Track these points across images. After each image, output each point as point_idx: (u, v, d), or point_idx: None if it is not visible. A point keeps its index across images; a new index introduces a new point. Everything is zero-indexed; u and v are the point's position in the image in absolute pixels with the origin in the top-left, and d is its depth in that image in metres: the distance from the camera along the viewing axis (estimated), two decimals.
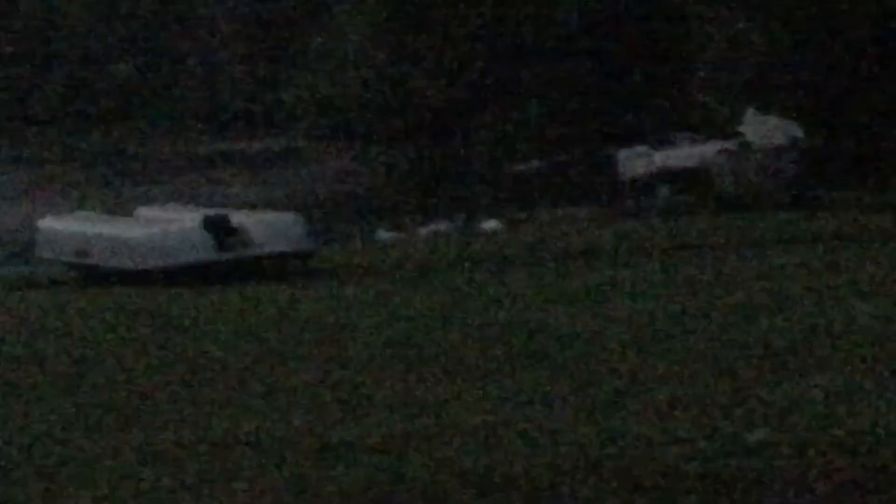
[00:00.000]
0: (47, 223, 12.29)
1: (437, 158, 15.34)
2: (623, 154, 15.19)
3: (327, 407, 4.04)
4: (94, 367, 5.57)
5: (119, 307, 8.98)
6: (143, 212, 12.65)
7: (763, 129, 14.93)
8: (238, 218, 12.18)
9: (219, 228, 11.92)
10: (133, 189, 14.19)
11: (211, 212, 12.29)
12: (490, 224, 12.14)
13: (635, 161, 15.02)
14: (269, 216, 12.46)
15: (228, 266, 11.65)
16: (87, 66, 23.47)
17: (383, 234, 12.11)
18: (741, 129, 15.09)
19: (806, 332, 5.58)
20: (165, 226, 12.07)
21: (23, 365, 5.76)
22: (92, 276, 11.91)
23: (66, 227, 12.10)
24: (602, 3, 17.24)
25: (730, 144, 14.97)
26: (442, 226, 12.30)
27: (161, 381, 5.00)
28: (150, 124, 19.29)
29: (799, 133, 15.15)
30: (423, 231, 12.10)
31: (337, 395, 4.29)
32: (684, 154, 15.06)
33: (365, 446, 3.06)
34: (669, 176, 14.95)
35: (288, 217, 12.35)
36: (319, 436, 3.26)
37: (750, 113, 15.12)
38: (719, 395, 3.76)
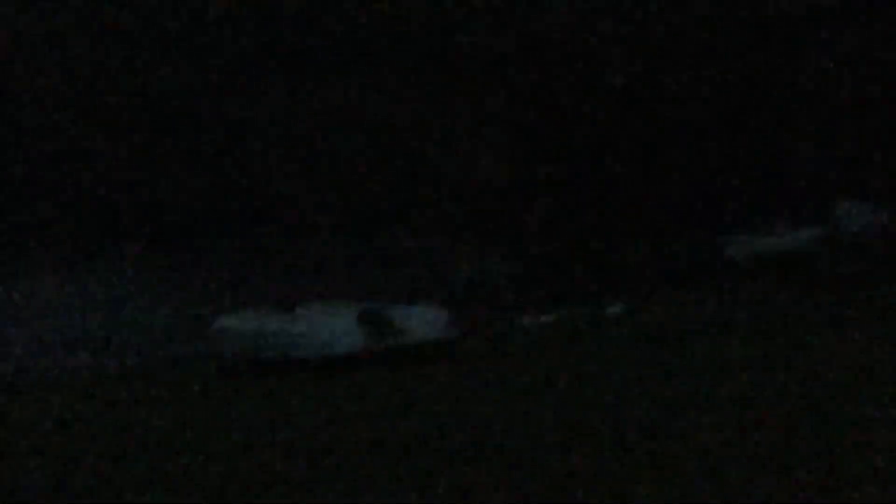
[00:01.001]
0: (220, 321, 14.04)
1: (556, 251, 16.90)
2: (725, 239, 16.54)
3: None
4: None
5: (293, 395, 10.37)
6: (304, 308, 14.30)
7: (856, 214, 16.11)
8: (387, 310, 13.75)
9: (372, 321, 13.51)
10: (289, 285, 15.86)
11: (365, 306, 13.88)
12: (614, 308, 13.47)
13: (737, 247, 16.32)
14: (416, 308, 13.97)
15: (382, 355, 13.16)
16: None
17: (523, 321, 13.56)
18: (837, 214, 16.32)
19: None
20: (325, 319, 13.69)
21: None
22: (261, 367, 13.53)
23: (238, 324, 13.82)
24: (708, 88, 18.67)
25: (826, 230, 16.19)
26: (567, 311, 13.75)
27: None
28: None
29: (888, 219, 16.31)
30: (553, 317, 13.56)
31: None
32: (783, 240, 16.31)
33: None
34: (768, 261, 16.15)
35: (432, 308, 13.86)
36: None
37: (844, 199, 16.38)
38: None
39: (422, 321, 13.58)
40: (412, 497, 4.31)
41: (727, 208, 17.42)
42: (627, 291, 14.96)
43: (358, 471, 5.05)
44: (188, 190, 19.09)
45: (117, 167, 19.66)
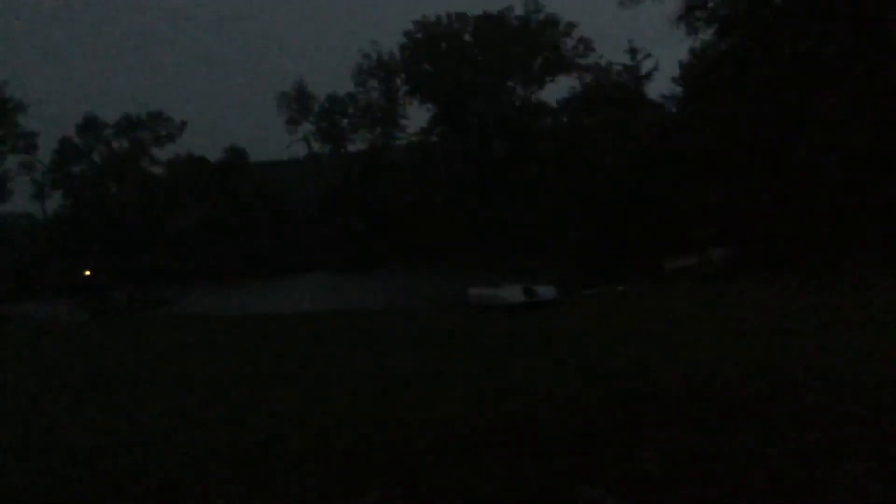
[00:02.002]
0: (471, 290, 38.79)
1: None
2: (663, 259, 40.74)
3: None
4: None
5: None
6: (504, 285, 38.91)
7: None
8: (533, 287, 38.26)
9: (527, 291, 38.06)
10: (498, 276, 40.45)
11: (524, 285, 38.41)
12: (621, 287, 38.11)
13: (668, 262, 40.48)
14: (545, 286, 38.41)
15: (531, 304, 37.51)
16: None
17: (583, 292, 38.06)
18: None
19: None
20: (511, 290, 38.27)
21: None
22: (488, 308, 38.07)
23: (479, 291, 38.52)
24: None
25: None
26: (601, 289, 38.22)
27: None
28: None
29: None
30: (596, 290, 38.14)
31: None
32: (688, 261, 40.41)
33: None
34: (681, 271, 40.44)
35: (552, 287, 38.35)
36: None
37: None
38: None
39: (547, 291, 38.02)
40: (528, 362, 28.49)
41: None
42: (624, 282, 39.13)
43: (505, 350, 29.16)
44: None
45: None
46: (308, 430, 9.44)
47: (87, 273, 66.51)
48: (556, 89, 75.40)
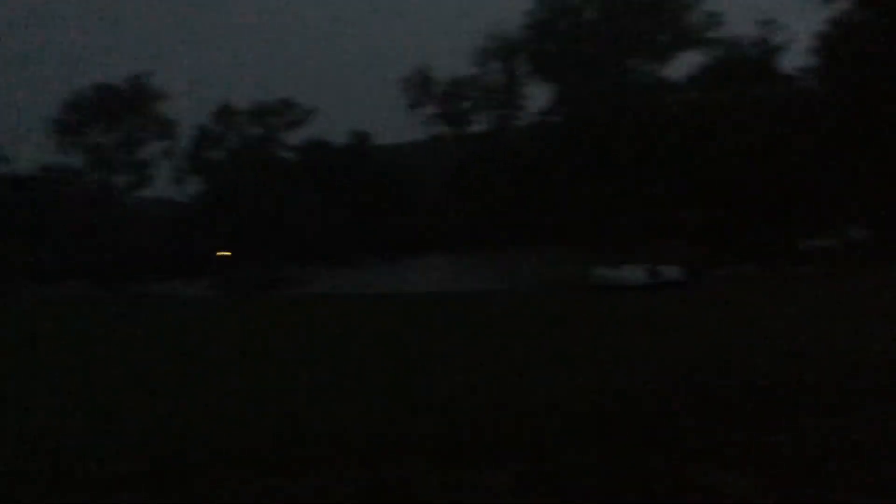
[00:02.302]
0: (598, 270, 38.34)
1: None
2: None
3: None
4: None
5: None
6: (630, 266, 38.24)
7: None
8: (657, 268, 37.41)
9: (651, 271, 37.25)
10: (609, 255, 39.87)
11: (648, 266, 37.61)
12: (747, 269, 36.56)
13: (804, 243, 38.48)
14: (667, 267, 37.49)
15: (654, 286, 36.72)
16: None
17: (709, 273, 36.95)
18: None
19: None
20: (635, 271, 37.56)
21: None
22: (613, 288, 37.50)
23: (604, 272, 38.02)
24: None
25: None
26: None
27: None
28: None
29: None
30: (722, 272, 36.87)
31: None
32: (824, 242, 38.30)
33: None
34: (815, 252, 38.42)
35: (675, 267, 37.39)
36: None
37: None
38: None
39: (672, 272, 37.11)
40: (655, 343, 27.74)
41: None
42: (755, 262, 37.75)
43: (628, 332, 28.52)
44: None
45: None
46: (434, 412, 9.55)
47: (222, 253, 69.65)
48: (683, 65, 72.89)
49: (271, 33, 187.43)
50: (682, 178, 56.64)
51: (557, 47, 70.36)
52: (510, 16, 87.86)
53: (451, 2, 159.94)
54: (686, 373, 11.37)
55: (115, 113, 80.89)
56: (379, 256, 66.91)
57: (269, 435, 8.59)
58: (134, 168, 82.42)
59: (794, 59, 73.70)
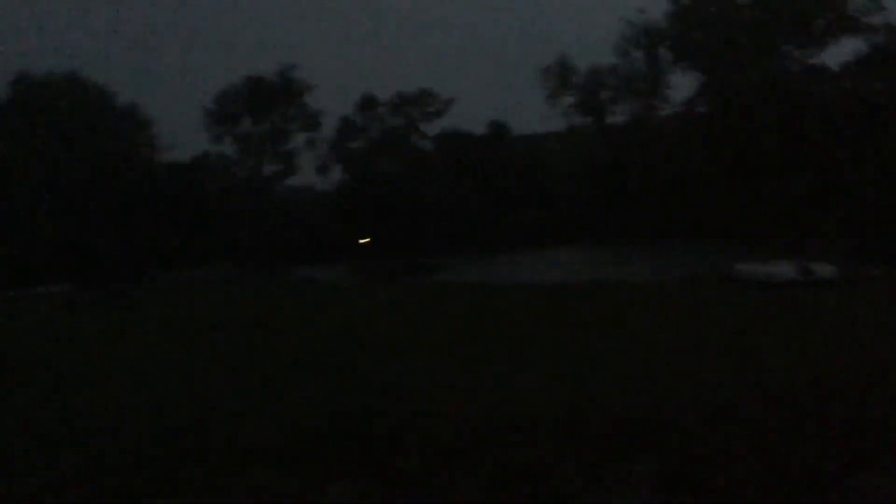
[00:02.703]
0: (743, 265, 37.09)
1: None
2: None
3: None
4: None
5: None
6: (779, 261, 36.78)
7: None
8: (809, 265, 35.79)
9: (803, 268, 35.66)
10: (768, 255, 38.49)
11: (800, 263, 36.04)
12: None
13: None
14: (819, 264, 35.81)
15: (807, 283, 35.14)
16: None
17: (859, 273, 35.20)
18: None
19: None
20: (783, 268, 36.09)
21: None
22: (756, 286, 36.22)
23: (751, 267, 36.75)
24: None
25: None
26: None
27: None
28: None
29: None
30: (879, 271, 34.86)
31: None
32: None
33: None
34: None
35: (829, 265, 35.66)
36: None
37: None
38: None
39: (824, 269, 35.40)
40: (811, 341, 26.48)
41: None
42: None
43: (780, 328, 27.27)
44: None
45: None
46: (573, 400, 9.67)
47: (363, 241, 71.78)
48: (838, 53, 69.02)
49: (412, 24, 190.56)
50: (834, 172, 53.90)
51: (703, 34, 68.11)
52: (653, 3, 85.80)
53: None
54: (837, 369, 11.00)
55: (264, 104, 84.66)
56: (516, 246, 67.11)
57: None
58: (281, 157, 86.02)
59: None
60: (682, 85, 73.46)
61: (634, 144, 70.81)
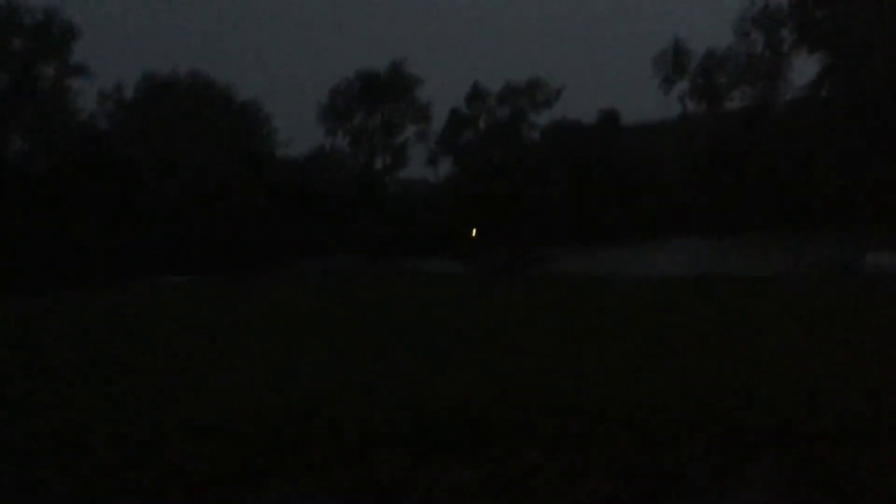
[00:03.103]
0: (873, 256, 35.39)
1: None
2: None
3: None
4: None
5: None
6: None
7: None
8: None
9: None
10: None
11: None
12: None
13: None
14: None
15: None
16: None
17: None
18: None
19: None
20: None
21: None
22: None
23: (882, 258, 35.02)
24: None
25: None
26: None
27: None
28: None
29: None
30: None
31: None
32: None
33: None
34: None
35: None
36: None
37: None
38: None
39: None
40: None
41: None
42: None
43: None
44: None
45: None
46: (695, 396, 9.54)
47: (473, 233, 72.20)
48: None
49: (520, 12, 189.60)
50: None
51: (828, 13, 65.05)
52: None
53: None
54: None
55: (376, 98, 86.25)
56: (629, 238, 66.00)
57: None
58: (392, 150, 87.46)
59: None
60: (805, 68, 70.32)
61: (754, 131, 68.41)
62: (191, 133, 71.28)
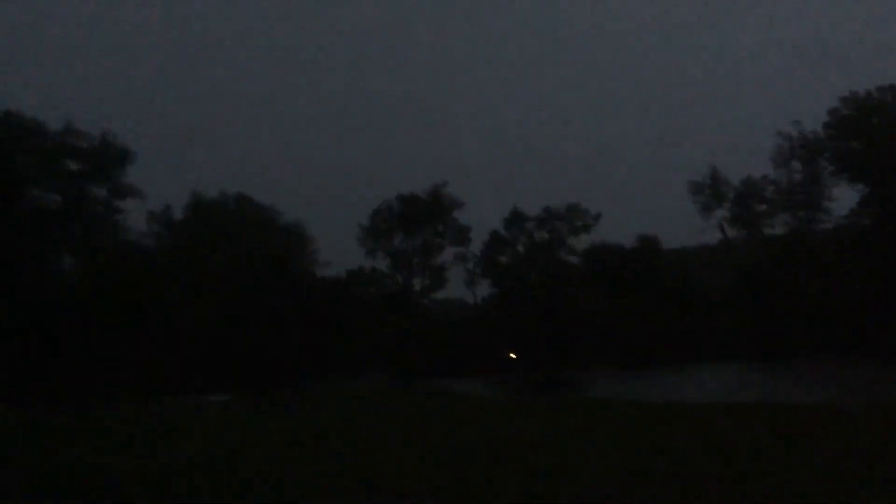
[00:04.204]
0: None
1: None
2: None
3: None
4: None
5: None
6: None
7: None
8: None
9: None
10: None
11: None
12: None
13: None
14: None
15: None
16: None
17: None
18: None
19: None
20: None
21: None
22: None
23: None
24: None
25: None
26: None
27: None
28: None
29: None
30: None
31: None
32: None
33: None
34: None
35: None
36: None
37: None
38: None
39: None
40: None
41: None
42: None
43: None
44: None
45: None
46: None
47: (511, 355, 71.62)
48: None
49: (559, 139, 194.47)
50: None
51: (865, 145, 65.68)
52: (806, 114, 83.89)
53: (741, 103, 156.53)
54: None
55: (415, 220, 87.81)
56: (665, 362, 64.90)
57: None
58: (431, 271, 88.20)
59: None
60: (843, 197, 70.58)
61: (793, 258, 68.09)
62: (233, 254, 72.76)
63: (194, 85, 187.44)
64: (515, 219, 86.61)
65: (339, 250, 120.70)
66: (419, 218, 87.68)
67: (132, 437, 22.36)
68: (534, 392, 51.90)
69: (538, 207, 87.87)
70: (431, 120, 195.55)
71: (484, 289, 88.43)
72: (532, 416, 25.98)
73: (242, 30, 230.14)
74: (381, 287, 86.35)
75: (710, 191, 75.33)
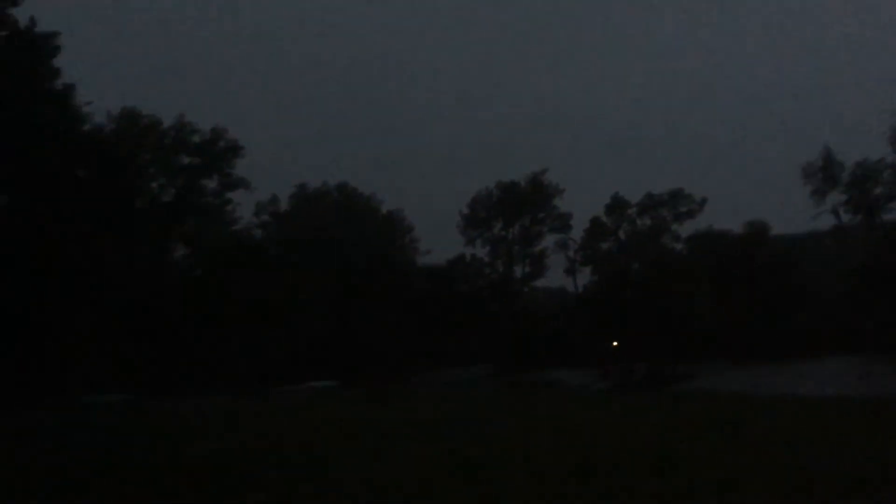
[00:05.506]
0: None
1: None
2: None
3: None
4: None
5: None
6: None
7: None
8: None
9: None
10: None
11: None
12: None
13: None
14: None
15: None
16: None
17: None
18: None
19: None
20: None
21: None
22: None
23: None
24: None
25: None
26: None
27: None
28: None
29: None
30: None
31: None
32: None
33: None
34: None
35: None
36: None
37: None
38: None
39: None
40: None
41: None
42: None
43: None
44: None
45: None
46: None
47: (614, 344, 70.52)
48: None
49: (663, 126, 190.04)
50: None
51: None
52: None
53: (861, 79, 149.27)
54: None
55: (515, 208, 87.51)
56: (774, 355, 62.45)
57: None
58: (531, 259, 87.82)
59: None
60: None
61: None
62: (337, 242, 74.21)
63: (300, 78, 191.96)
64: (617, 205, 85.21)
65: (439, 239, 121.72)
66: (519, 206, 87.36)
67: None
68: (638, 385, 50.78)
69: (639, 194, 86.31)
70: (532, 106, 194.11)
71: (584, 276, 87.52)
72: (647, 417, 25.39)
73: (334, 24, 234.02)
74: (482, 275, 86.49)
75: (822, 174, 71.95)
